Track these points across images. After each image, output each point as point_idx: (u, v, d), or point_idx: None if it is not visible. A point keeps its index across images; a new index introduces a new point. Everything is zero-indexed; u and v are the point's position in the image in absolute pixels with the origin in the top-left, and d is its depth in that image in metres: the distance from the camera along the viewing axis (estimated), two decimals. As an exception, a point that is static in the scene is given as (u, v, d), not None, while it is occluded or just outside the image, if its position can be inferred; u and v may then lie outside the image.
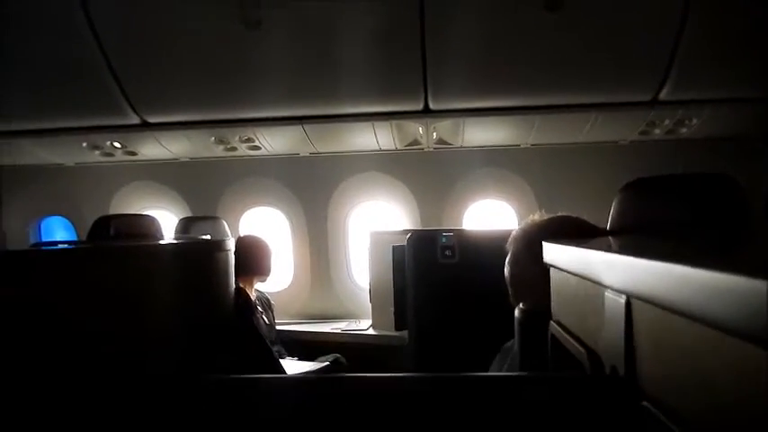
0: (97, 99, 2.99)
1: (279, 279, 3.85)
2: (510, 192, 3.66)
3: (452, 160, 3.64)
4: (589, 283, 0.49)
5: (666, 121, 3.03)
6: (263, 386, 0.72)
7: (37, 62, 2.85)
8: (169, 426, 0.61)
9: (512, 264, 1.25)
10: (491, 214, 3.84)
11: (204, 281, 1.44)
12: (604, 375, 0.45)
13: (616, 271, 0.42)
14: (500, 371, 1.34)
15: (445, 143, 3.44)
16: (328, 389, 0.62)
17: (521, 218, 3.62)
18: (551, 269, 0.68)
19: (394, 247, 2.58)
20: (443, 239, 2.39)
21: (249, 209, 4.01)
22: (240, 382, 0.75)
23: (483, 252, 2.34)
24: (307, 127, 3.19)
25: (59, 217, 4.16)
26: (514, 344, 1.41)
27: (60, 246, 2.50)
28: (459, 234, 2.44)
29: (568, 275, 0.59)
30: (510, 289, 1.27)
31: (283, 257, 3.89)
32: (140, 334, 1.28)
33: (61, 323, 1.20)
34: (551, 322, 0.66)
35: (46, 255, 1.52)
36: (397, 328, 2.55)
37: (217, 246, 1.51)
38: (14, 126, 3.20)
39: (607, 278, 0.44)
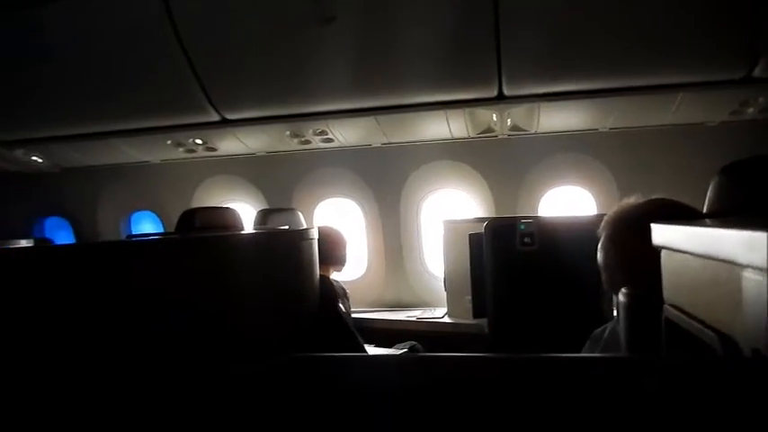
0: (180, 99, 3.14)
1: (353, 268, 3.91)
2: (588, 177, 3.55)
3: (527, 146, 3.56)
4: (718, 263, 0.47)
5: (761, 100, 2.83)
6: (350, 364, 0.72)
7: (126, 66, 3.02)
8: (261, 406, 0.62)
9: (607, 248, 1.22)
10: (568, 201, 3.73)
11: (292, 270, 1.48)
12: (745, 359, 0.43)
13: (758, 250, 0.40)
14: (591, 359, 1.31)
15: (520, 129, 3.37)
16: (416, 368, 0.62)
17: (600, 204, 3.50)
18: (663, 251, 0.65)
19: (470, 236, 2.56)
20: (522, 227, 2.35)
21: (323, 200, 4.09)
22: (328, 359, 0.76)
23: (564, 239, 2.29)
24: (379, 118, 3.21)
25: (147, 211, 4.39)
26: (605, 331, 1.36)
27: (153, 237, 2.64)
28: (538, 221, 2.39)
29: (687, 257, 0.56)
30: (604, 274, 1.23)
31: (357, 247, 3.95)
32: (234, 322, 1.34)
33: (158, 311, 1.27)
34: (666, 306, 0.64)
35: (147, 245, 1.61)
36: (476, 317, 2.54)
37: (302, 235, 1.55)
38: (108, 127, 3.41)
39: (745, 258, 0.42)
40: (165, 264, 1.32)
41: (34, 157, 3.86)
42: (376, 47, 2.81)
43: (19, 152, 3.76)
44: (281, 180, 4.04)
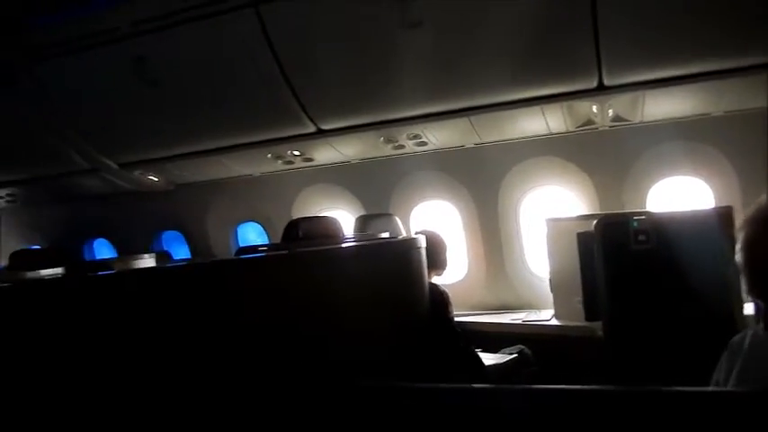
0: (278, 113, 3.27)
1: (453, 271, 3.88)
2: (703, 167, 3.28)
3: (630, 137, 3.36)
4: None
5: None
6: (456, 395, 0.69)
7: (228, 87, 3.19)
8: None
9: (749, 251, 1.11)
10: (679, 193, 3.48)
11: (402, 279, 1.48)
12: None
13: None
14: (732, 370, 1.20)
15: (622, 120, 3.19)
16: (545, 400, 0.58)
17: (719, 196, 3.23)
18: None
19: (579, 234, 2.45)
20: (635, 224, 2.22)
21: (419, 203, 4.08)
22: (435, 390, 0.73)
23: (682, 236, 2.14)
24: (473, 118, 3.16)
25: (252, 222, 4.60)
26: (745, 340, 1.25)
27: (262, 249, 2.75)
28: (653, 217, 2.25)
29: None
30: (746, 279, 1.12)
31: (456, 249, 3.91)
32: (353, 329, 1.36)
33: (276, 323, 1.30)
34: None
35: (261, 260, 1.67)
36: (588, 319, 2.43)
37: (411, 243, 1.54)
38: (214, 145, 3.61)
39: None
40: (279, 278, 1.35)
41: (150, 177, 4.16)
42: (465, 47, 2.77)
43: (137, 173, 4.07)
44: (376, 186, 4.09)
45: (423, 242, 1.55)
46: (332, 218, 3.10)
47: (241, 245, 4.73)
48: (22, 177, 4.30)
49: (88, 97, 3.53)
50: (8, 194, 4.60)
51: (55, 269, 2.42)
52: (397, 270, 1.45)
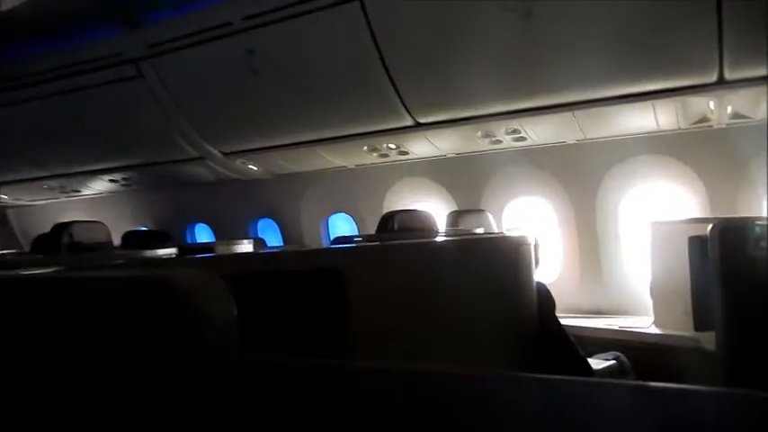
0: (377, 105, 3.31)
1: (546, 271, 3.78)
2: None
3: (749, 135, 3.11)
4: None
5: None
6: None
7: (328, 79, 3.27)
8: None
9: None
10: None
11: (512, 277, 1.45)
12: None
13: None
14: None
15: (742, 117, 2.97)
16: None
17: None
18: None
19: (691, 239, 2.30)
20: (756, 229, 2.06)
21: (512, 200, 4.01)
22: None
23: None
24: (577, 113, 3.05)
25: (343, 213, 4.70)
26: None
27: (358, 239, 2.80)
28: (777, 223, 2.07)
29: None
30: None
31: (549, 249, 3.80)
32: (455, 330, 1.35)
33: (378, 317, 1.31)
34: None
35: (364, 250, 1.70)
36: (698, 329, 2.28)
37: (521, 240, 1.51)
38: (312, 137, 3.72)
39: None
40: (384, 270, 1.36)
41: (250, 166, 4.35)
42: (573, 37, 2.68)
43: (239, 161, 4.27)
44: (469, 181, 4.05)
45: (531, 239, 1.51)
46: (426, 212, 3.11)
47: (332, 235, 4.86)
48: (137, 163, 4.62)
49: (199, 89, 3.74)
50: (124, 179, 4.97)
51: (169, 250, 2.59)
52: (504, 268, 1.41)
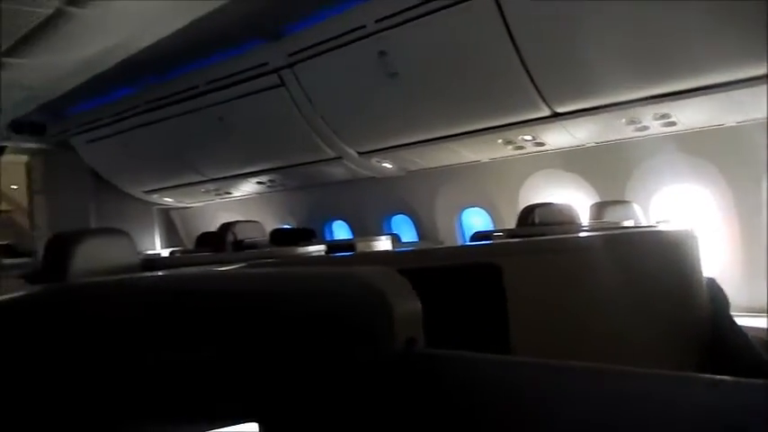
0: (512, 97, 3.24)
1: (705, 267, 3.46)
2: None
3: None
4: None
5: None
6: None
7: (462, 73, 3.26)
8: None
9: None
10: None
11: (676, 274, 1.35)
12: None
13: None
14: None
15: None
16: None
17: None
18: None
19: None
20: None
21: (661, 191, 3.73)
22: None
23: None
24: (735, 93, 2.77)
25: (477, 207, 4.67)
26: None
27: (497, 234, 2.78)
28: None
29: None
30: None
31: (707, 242, 3.48)
32: (621, 329, 1.28)
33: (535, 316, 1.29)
34: None
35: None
36: None
37: (685, 233, 1.40)
38: (445, 132, 3.74)
39: None
40: (539, 266, 1.33)
41: (385, 164, 4.47)
42: (727, 9, 2.43)
43: (374, 160, 4.40)
44: (610, 171, 3.83)
45: (697, 231, 1.40)
46: (568, 205, 3.00)
47: (465, 230, 4.85)
48: (280, 165, 4.95)
49: (336, 92, 3.92)
50: (269, 180, 5.35)
51: (318, 246, 2.74)
52: (669, 264, 1.32)
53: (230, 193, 6.01)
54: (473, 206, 4.70)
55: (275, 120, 4.31)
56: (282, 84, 4.00)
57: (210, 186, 5.81)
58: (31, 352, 0.96)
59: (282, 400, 0.67)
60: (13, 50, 2.55)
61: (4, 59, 2.61)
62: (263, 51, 3.97)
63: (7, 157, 5.94)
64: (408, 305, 0.73)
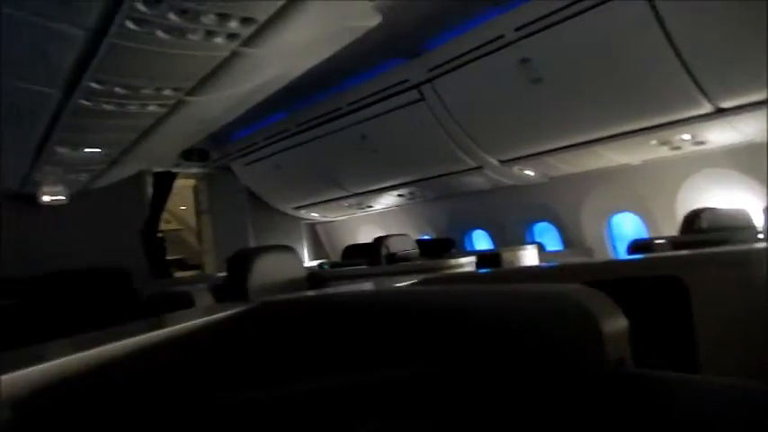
0: (668, 95, 3.05)
1: None
2: None
3: None
4: None
5: None
6: None
7: (612, 75, 3.12)
8: None
9: None
10: None
11: None
12: None
13: None
14: None
15: None
16: None
17: None
18: None
19: None
20: None
21: None
22: None
23: None
24: None
25: (627, 212, 4.42)
26: None
27: (659, 242, 2.62)
28: None
29: None
30: None
31: None
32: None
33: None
34: None
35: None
36: None
37: None
38: (592, 136, 3.60)
39: None
40: (725, 278, 1.25)
41: (527, 171, 4.40)
42: None
43: (516, 168, 4.35)
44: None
45: None
46: (741, 209, 2.75)
47: (614, 236, 4.61)
48: (419, 177, 5.06)
49: (476, 103, 3.93)
50: (409, 192, 5.49)
51: (469, 258, 2.77)
52: None
53: (371, 207, 6.26)
54: (623, 211, 4.46)
55: (415, 134, 4.42)
56: (422, 98, 4.10)
57: (353, 201, 6.09)
58: (249, 359, 1.08)
59: (499, 416, 0.71)
60: (192, 90, 2.89)
61: (186, 98, 2.97)
62: (403, 69, 4.10)
63: (177, 182, 6.69)
64: (617, 324, 0.74)
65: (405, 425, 0.66)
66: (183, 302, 2.17)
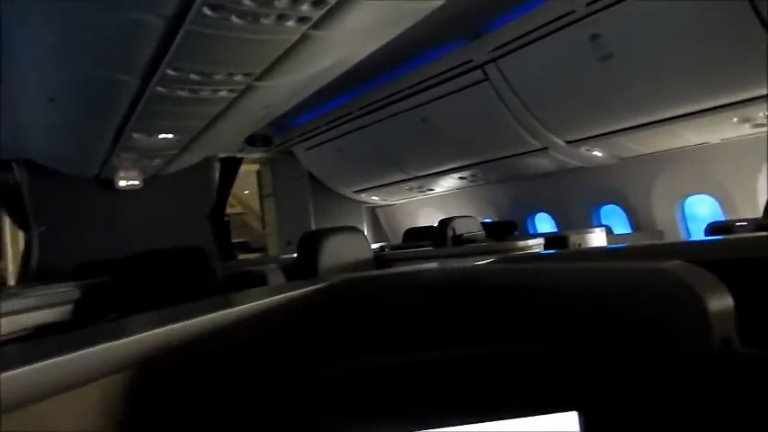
0: (749, 70, 2.87)
1: None
2: None
3: None
4: None
5: None
6: None
7: (691, 49, 2.97)
8: None
9: None
10: None
11: None
12: None
13: None
14: None
15: None
16: None
17: None
18: None
19: None
20: None
21: None
22: None
23: None
24: None
25: (702, 194, 4.22)
26: None
27: (740, 225, 2.50)
28: None
29: None
30: None
31: None
32: None
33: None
34: None
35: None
36: None
37: None
38: (666, 114, 3.44)
39: None
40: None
41: (595, 152, 4.27)
42: None
43: (583, 149, 4.23)
44: None
45: None
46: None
47: (687, 219, 4.41)
48: (481, 160, 5.00)
49: (542, 82, 3.83)
50: (470, 175, 5.44)
51: (537, 240, 2.73)
52: None
53: (432, 190, 6.24)
54: (698, 193, 4.26)
55: (478, 115, 4.36)
56: (486, 78, 4.03)
57: (414, 184, 6.09)
58: (331, 334, 1.11)
59: (602, 393, 0.70)
60: (261, 75, 2.96)
61: (255, 83, 3.04)
62: (466, 50, 4.04)
63: (241, 167, 6.88)
64: (722, 303, 0.71)
65: (490, 402, 0.66)
66: (257, 281, 2.25)
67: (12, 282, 6.38)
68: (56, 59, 2.75)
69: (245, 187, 9.07)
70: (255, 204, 8.93)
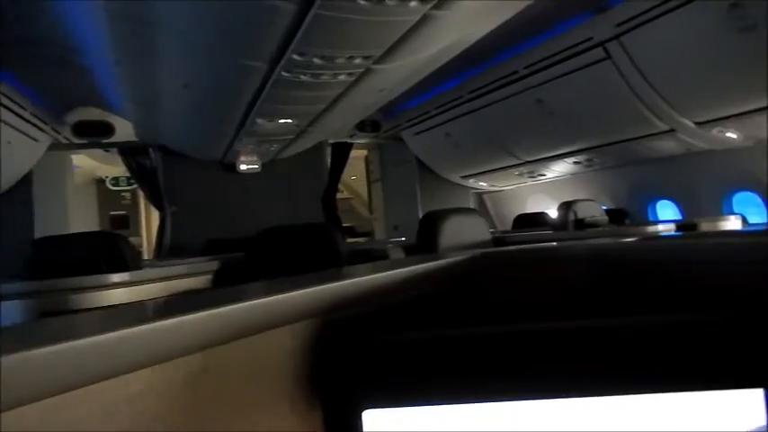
0: None
1: None
2: None
3: None
4: None
5: None
6: None
7: None
8: None
9: None
10: None
11: None
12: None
13: None
14: None
15: None
16: None
17: None
18: None
19: None
20: None
21: None
22: None
23: None
24: None
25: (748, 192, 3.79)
26: None
27: None
28: None
29: None
30: None
31: None
32: None
33: None
34: None
35: None
36: None
37: None
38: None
39: None
40: None
41: (729, 134, 3.93)
42: None
43: (714, 131, 3.91)
44: None
45: None
46: None
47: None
48: (600, 143, 4.77)
49: (670, 59, 3.58)
50: (586, 159, 5.21)
51: (667, 225, 2.57)
52: None
53: (544, 175, 6.06)
54: (744, 189, 3.81)
55: (597, 95, 4.16)
56: (608, 56, 3.83)
57: (524, 169, 5.94)
58: (471, 304, 1.11)
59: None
60: (380, 58, 3.01)
61: (373, 66, 3.10)
62: (586, 27, 3.86)
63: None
64: None
65: (668, 375, 0.64)
66: (380, 258, 2.31)
67: (145, 256, 7.00)
68: (192, 46, 2.97)
69: (353, 173, 9.29)
70: (362, 189, 9.13)
